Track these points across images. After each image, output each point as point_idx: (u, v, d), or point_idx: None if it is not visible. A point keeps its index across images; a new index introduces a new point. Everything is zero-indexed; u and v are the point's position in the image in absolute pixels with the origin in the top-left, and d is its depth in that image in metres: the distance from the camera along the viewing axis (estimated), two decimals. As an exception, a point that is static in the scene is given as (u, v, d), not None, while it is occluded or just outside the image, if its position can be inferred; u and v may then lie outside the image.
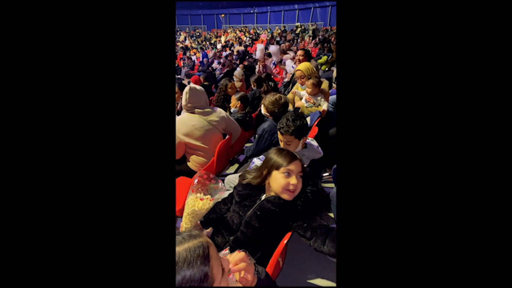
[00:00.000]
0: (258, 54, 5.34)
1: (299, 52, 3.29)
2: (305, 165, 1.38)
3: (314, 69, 2.52)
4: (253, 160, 1.38)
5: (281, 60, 5.20)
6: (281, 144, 1.36)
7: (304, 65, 2.51)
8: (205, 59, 8.09)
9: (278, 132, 1.35)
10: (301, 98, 2.38)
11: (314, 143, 1.51)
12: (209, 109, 1.81)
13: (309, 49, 5.58)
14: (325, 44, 6.22)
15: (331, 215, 1.43)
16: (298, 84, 2.58)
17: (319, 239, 0.84)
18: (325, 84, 2.40)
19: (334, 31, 8.71)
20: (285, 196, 0.92)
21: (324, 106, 2.23)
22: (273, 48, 5.39)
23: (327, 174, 2.06)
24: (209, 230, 1.11)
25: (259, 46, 5.44)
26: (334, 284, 1.31)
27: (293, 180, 0.90)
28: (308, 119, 2.35)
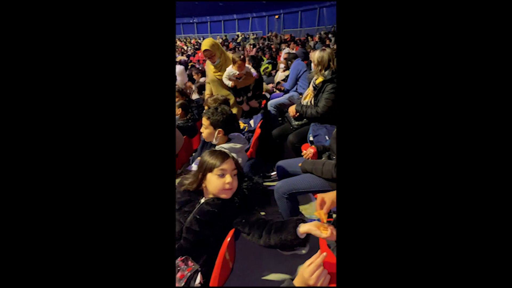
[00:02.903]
0: (178, 80, 4.11)
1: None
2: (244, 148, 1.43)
3: (218, 43, 2.35)
4: (191, 166, 1.38)
5: None
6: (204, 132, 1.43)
7: (207, 42, 2.24)
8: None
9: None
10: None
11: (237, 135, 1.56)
12: None
13: (258, 55, 5.58)
14: (266, 51, 6.49)
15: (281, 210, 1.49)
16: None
17: (256, 233, 0.87)
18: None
19: (275, 38, 9.22)
20: (223, 196, 0.94)
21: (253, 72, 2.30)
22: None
23: (274, 173, 2.15)
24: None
25: (178, 69, 4.13)
26: (288, 276, 1.36)
27: (227, 179, 0.93)
28: (252, 122, 2.43)
